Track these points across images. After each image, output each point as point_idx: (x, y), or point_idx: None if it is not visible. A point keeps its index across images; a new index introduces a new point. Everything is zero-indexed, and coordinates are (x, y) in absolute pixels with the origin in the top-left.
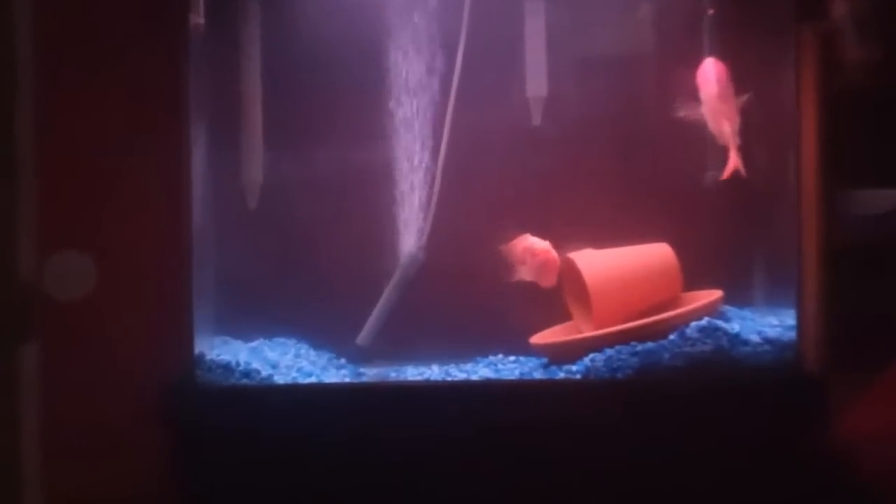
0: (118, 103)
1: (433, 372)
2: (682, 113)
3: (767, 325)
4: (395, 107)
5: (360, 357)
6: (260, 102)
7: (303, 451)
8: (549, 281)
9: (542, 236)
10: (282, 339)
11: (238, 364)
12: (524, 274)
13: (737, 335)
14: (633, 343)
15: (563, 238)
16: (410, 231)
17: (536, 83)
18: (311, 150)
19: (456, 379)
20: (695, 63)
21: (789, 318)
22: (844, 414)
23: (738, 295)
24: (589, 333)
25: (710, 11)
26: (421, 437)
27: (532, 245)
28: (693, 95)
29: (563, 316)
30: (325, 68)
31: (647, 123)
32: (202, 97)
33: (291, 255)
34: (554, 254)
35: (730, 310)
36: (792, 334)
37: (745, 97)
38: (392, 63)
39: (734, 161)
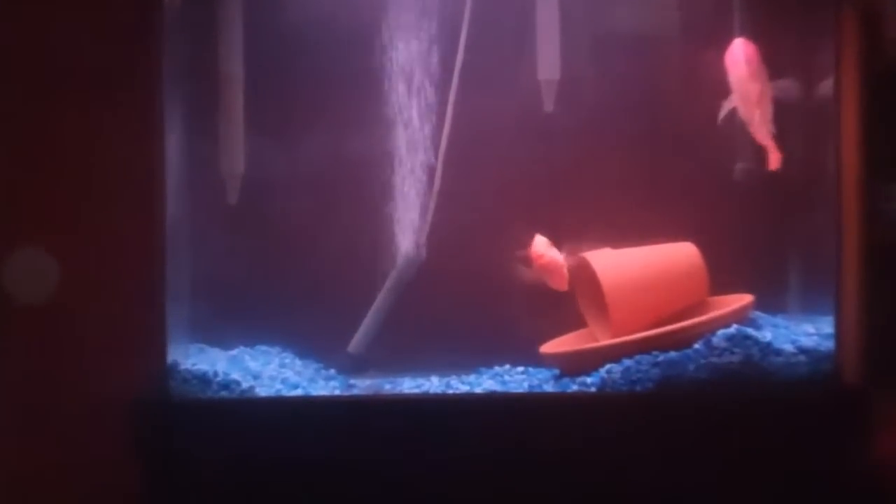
0: (80, 87)
1: (433, 384)
2: (710, 99)
3: (803, 333)
4: (392, 91)
5: (352, 367)
6: (242, 85)
7: (287, 472)
8: (557, 284)
9: (555, 234)
10: (264, 347)
11: (216, 374)
12: (533, 277)
13: (768, 344)
14: (653, 353)
15: (577, 236)
16: (408, 227)
17: (549, 65)
18: (298, 139)
19: (458, 392)
20: (723, 44)
21: (827, 326)
22: (888, 431)
23: (770, 300)
24: (605, 342)
25: None
26: (419, 457)
27: (534, 246)
28: (721, 80)
29: (577, 322)
30: (315, 47)
31: (671, 110)
32: (177, 79)
33: (276, 253)
34: (555, 255)
35: (761, 316)
36: (830, 343)
37: (779, 82)
38: (388, 42)
39: (773, 151)
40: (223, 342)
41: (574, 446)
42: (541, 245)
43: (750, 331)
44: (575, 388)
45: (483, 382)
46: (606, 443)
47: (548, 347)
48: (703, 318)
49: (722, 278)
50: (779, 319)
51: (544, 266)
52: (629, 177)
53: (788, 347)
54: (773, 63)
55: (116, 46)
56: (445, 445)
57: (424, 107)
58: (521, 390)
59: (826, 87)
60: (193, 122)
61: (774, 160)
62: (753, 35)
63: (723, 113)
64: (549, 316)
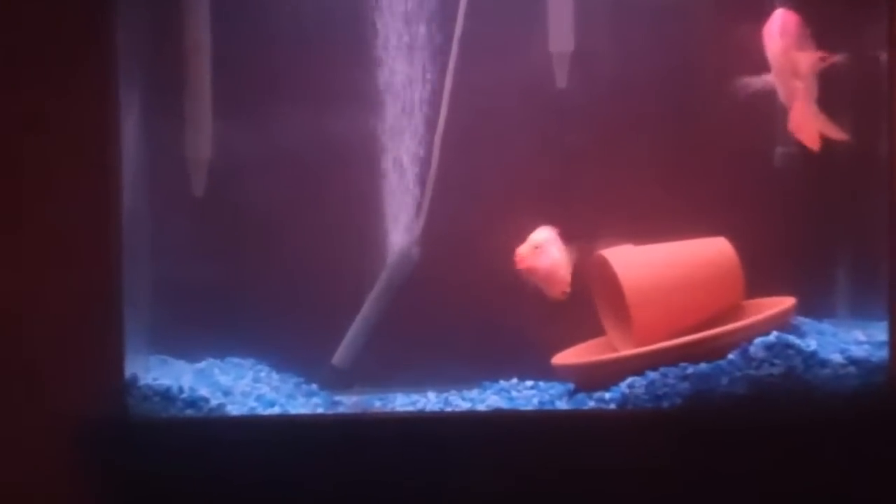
0: (21, 62)
1: (429, 401)
2: (747, 74)
3: (852, 341)
4: (383, 64)
5: (337, 381)
6: (209, 57)
7: (263, 502)
8: (554, 292)
9: (568, 227)
10: (236, 359)
11: (181, 390)
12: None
13: (813, 354)
14: (682, 364)
15: (593, 230)
16: (400, 222)
17: (561, 36)
18: (273, 120)
19: (458, 410)
20: (762, 15)
21: (880, 333)
22: None
23: (815, 303)
24: (626, 352)
25: None
26: (413, 485)
27: (521, 248)
28: (759, 54)
29: (595, 329)
30: (294, 13)
31: (701, 88)
32: (135, 52)
33: (249, 252)
34: (548, 256)
35: (805, 322)
36: (883, 353)
37: (825, 57)
38: (378, 6)
39: (809, 132)
40: (189, 353)
41: (591, 472)
42: (526, 247)
43: (792, 339)
44: (592, 404)
45: (487, 398)
46: (628, 468)
47: (561, 358)
48: (739, 324)
49: (760, 279)
50: (825, 325)
51: (531, 272)
52: (653, 162)
53: (836, 357)
54: (820, 38)
55: (63, 14)
56: (444, 471)
57: (419, 82)
58: (530, 407)
59: (879, 62)
60: (154, 101)
61: (809, 139)
62: (796, 5)
63: (757, 88)
64: (562, 322)
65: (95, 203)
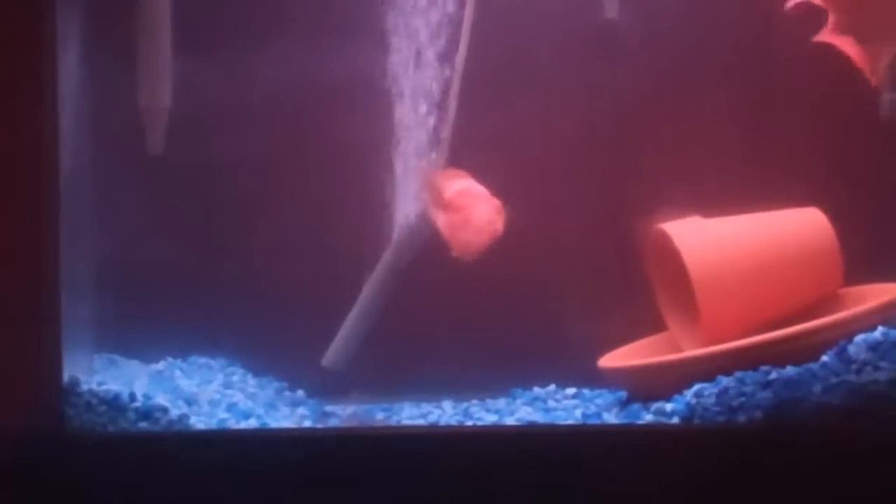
0: None
1: (444, 412)
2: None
3: None
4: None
5: (328, 387)
6: None
7: None
8: (462, 248)
9: (620, 196)
10: (203, 359)
11: (133, 398)
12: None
13: None
14: (763, 368)
15: (651, 199)
16: (406, 193)
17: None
18: (250, 61)
19: (481, 424)
20: None
21: None
22: None
23: None
24: (693, 352)
25: None
26: None
27: (464, 190)
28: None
29: (654, 323)
30: None
31: (786, 37)
32: None
33: (218, 228)
34: (484, 212)
35: None
36: None
37: None
38: None
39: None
40: (143, 352)
41: (648, 501)
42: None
43: None
44: (649, 418)
45: (517, 410)
46: (694, 497)
47: (611, 360)
48: (835, 317)
49: (861, 261)
50: None
51: (462, 222)
52: (728, 115)
53: None
54: None
55: None
56: (463, 500)
57: (431, 19)
58: (571, 421)
59: None
60: (99, 34)
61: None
62: None
63: None
64: (612, 314)
65: (25, 163)
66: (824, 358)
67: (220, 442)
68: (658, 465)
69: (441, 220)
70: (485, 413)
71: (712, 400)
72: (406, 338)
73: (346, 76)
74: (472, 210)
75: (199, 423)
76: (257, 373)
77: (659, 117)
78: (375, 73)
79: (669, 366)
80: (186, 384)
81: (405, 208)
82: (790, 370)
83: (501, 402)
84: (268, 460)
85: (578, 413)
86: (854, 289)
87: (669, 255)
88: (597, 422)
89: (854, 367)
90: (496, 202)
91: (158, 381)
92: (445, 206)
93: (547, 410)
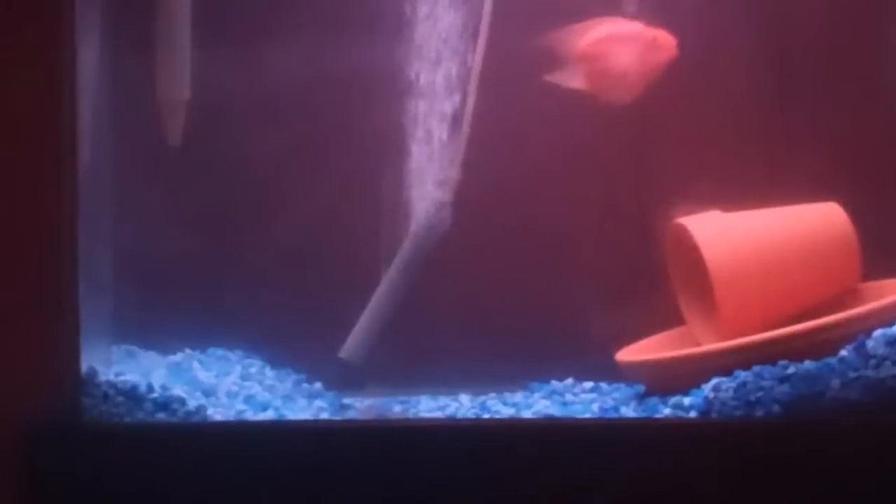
0: None
1: (462, 405)
2: None
3: None
4: None
5: (346, 380)
6: None
7: None
8: (608, 97)
9: (637, 190)
10: (221, 351)
11: (151, 389)
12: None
13: None
14: (781, 362)
15: (671, 193)
16: (426, 181)
17: None
18: (270, 54)
19: (498, 417)
20: None
21: None
22: None
23: None
24: (711, 346)
25: None
26: None
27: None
28: None
29: (672, 317)
30: None
31: (809, 24)
32: None
33: (238, 218)
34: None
35: None
36: None
37: None
38: None
39: None
40: (162, 343)
41: (665, 496)
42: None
43: None
44: (667, 412)
45: (535, 403)
46: (711, 491)
47: (628, 353)
48: (853, 312)
49: (880, 255)
50: None
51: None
52: (748, 109)
53: None
54: None
55: None
56: (479, 493)
57: (452, 8)
58: (589, 415)
59: None
60: (120, 27)
61: None
62: None
63: None
64: (630, 308)
65: (44, 154)
66: (843, 352)
67: (238, 433)
68: (675, 459)
69: (579, 74)
70: (502, 406)
71: (730, 394)
72: (424, 330)
73: (365, 68)
74: (610, 58)
75: (216, 414)
76: (275, 365)
77: (680, 111)
78: (395, 65)
79: (687, 360)
80: (204, 376)
81: (422, 198)
82: (808, 365)
83: (519, 396)
84: (285, 452)
85: (596, 407)
86: (873, 283)
87: (688, 249)
88: (614, 416)
89: (872, 361)
90: (647, 37)
91: (176, 373)
92: (581, 58)
93: (564, 404)
